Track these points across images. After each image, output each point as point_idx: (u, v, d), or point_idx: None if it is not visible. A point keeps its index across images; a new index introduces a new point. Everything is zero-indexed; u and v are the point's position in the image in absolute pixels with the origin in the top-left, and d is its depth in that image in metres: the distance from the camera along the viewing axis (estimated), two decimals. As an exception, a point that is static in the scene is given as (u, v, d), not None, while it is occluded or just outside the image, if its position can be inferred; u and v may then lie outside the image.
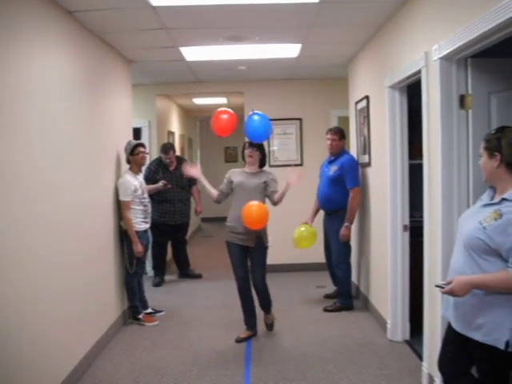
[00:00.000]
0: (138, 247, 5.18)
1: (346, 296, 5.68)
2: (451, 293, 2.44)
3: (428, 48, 3.54)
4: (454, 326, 2.58)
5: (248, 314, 4.89)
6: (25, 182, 3.25)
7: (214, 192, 4.89)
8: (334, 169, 5.54)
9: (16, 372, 3.03)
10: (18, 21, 3.19)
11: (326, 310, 5.61)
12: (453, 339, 2.65)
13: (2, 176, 2.97)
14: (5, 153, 3.01)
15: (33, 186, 3.37)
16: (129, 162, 5.31)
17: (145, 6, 4.02)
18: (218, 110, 4.62)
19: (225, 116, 4.56)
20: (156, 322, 5.31)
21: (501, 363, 2.46)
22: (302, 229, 5.59)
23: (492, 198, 2.50)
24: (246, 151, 4.87)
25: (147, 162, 6.02)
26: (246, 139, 4.93)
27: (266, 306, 4.97)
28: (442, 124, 3.36)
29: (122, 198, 5.13)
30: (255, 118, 4.58)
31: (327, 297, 6.03)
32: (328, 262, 5.93)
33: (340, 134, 5.65)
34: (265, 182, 4.80)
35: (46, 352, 3.44)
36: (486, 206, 2.48)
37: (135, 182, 5.22)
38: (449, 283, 2.46)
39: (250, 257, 4.81)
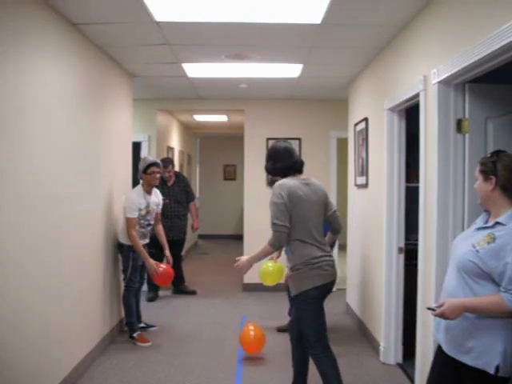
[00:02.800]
0: (150, 262, 5.17)
1: None
2: (442, 315, 2.43)
3: (427, 72, 3.57)
4: (445, 348, 2.56)
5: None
6: (24, 189, 3.26)
7: None
8: None
9: (5, 379, 3.00)
10: (21, 32, 3.22)
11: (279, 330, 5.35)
12: (442, 363, 2.63)
13: (1, 183, 2.97)
14: (5, 161, 3.03)
15: (32, 194, 3.39)
16: (141, 178, 5.28)
17: (148, 21, 4.06)
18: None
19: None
20: (149, 343, 5.18)
21: None
22: (269, 264, 4.90)
23: (486, 222, 2.50)
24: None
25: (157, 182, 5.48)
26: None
27: None
28: (439, 147, 3.38)
29: (127, 215, 5.09)
30: None
31: (280, 330, 5.53)
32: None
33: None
34: None
35: (36, 362, 3.42)
36: (479, 229, 2.49)
37: (141, 201, 5.17)
38: (440, 306, 2.45)
39: None
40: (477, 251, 2.36)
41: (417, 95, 3.82)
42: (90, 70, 4.59)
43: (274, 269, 4.79)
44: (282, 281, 4.52)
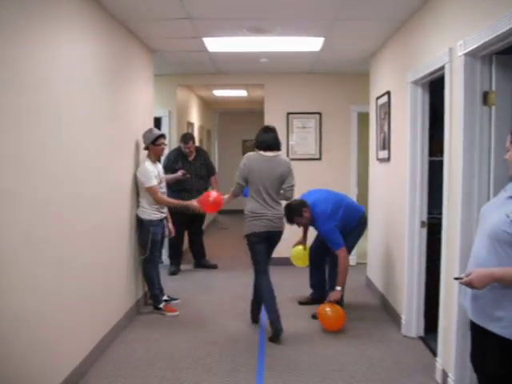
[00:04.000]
0: (193, 204, 5.41)
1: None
2: (470, 284, 2.43)
3: (453, 44, 3.53)
4: (471, 316, 2.58)
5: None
6: (49, 162, 3.29)
7: None
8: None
9: (31, 355, 3.07)
10: (44, 6, 3.23)
11: (314, 318, 5.14)
12: (473, 330, 2.65)
13: (27, 155, 3.02)
14: (30, 138, 3.06)
15: (58, 167, 3.42)
16: (147, 149, 5.35)
17: (170, -5, 4.06)
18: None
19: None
20: (177, 313, 5.32)
21: None
22: (300, 248, 5.85)
23: None
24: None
25: (165, 152, 6.06)
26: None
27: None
28: (465, 120, 3.35)
29: (148, 184, 5.15)
30: None
31: (302, 303, 5.67)
32: (312, 256, 5.64)
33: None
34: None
35: (62, 336, 3.49)
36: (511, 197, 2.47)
37: (154, 170, 5.27)
38: (468, 275, 2.45)
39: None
40: (511, 221, 2.35)
41: (442, 68, 3.77)
42: (112, 46, 4.60)
43: (305, 252, 5.74)
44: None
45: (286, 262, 6.14)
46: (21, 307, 2.94)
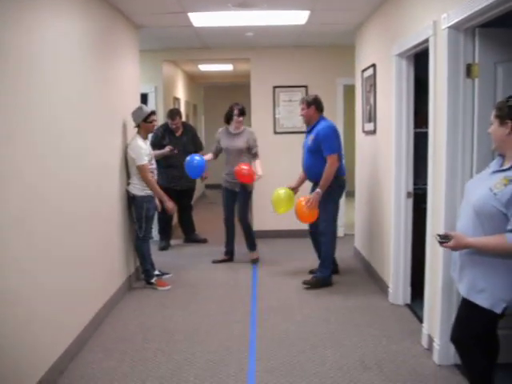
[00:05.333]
0: (169, 204, 5.51)
1: (327, 268, 5.42)
2: (448, 247, 2.64)
3: (437, 17, 3.57)
4: (459, 287, 2.71)
5: (228, 241, 6.50)
6: (35, 140, 3.29)
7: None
8: (311, 138, 5.33)
9: (25, 330, 3.12)
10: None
11: (304, 283, 5.38)
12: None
13: (15, 135, 3.02)
14: (19, 115, 3.07)
15: (45, 145, 3.42)
16: (138, 126, 5.36)
17: (155, -29, 4.04)
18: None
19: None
20: (169, 287, 5.42)
21: (493, 324, 2.64)
22: (281, 191, 5.57)
23: (501, 166, 2.57)
24: (237, 118, 6.14)
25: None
26: (233, 104, 6.23)
27: (251, 243, 6.40)
28: (449, 92, 3.42)
29: (139, 162, 5.19)
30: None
31: (312, 272, 5.68)
32: (312, 234, 5.69)
33: (307, 103, 5.39)
34: (247, 143, 6.12)
35: (56, 312, 3.55)
36: (495, 172, 2.56)
37: (146, 147, 5.30)
38: (447, 236, 2.59)
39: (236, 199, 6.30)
40: (495, 194, 2.44)
41: (426, 40, 3.82)
42: (97, 22, 4.58)
43: (285, 195, 5.58)
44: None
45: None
46: (12, 283, 2.99)
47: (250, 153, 6.13)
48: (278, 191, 5.58)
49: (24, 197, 3.10)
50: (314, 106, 5.39)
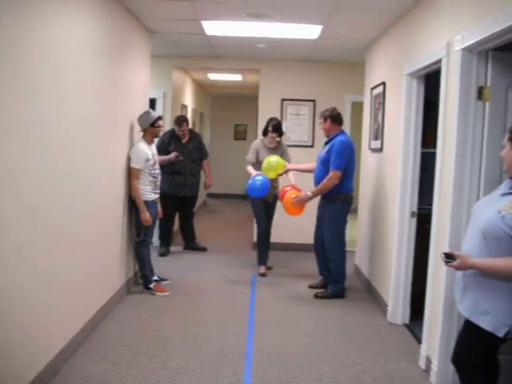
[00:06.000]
0: (146, 215, 5.24)
1: (339, 282, 5.51)
2: (454, 267, 2.62)
3: (450, 38, 3.58)
4: (460, 309, 2.69)
5: (263, 254, 6.39)
6: (46, 140, 3.29)
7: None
8: (325, 150, 5.42)
9: (21, 332, 3.09)
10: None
11: (316, 297, 5.48)
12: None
13: (21, 132, 3.00)
14: (30, 115, 3.08)
15: (54, 145, 3.42)
16: (144, 131, 5.36)
17: (173, -23, 4.07)
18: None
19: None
20: (167, 293, 5.39)
21: (494, 347, 2.62)
22: (273, 159, 5.87)
23: (511, 188, 2.56)
24: (271, 134, 6.22)
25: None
26: (269, 119, 6.36)
27: (266, 256, 6.42)
28: (459, 114, 3.42)
29: (134, 165, 5.17)
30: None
31: (311, 287, 5.78)
32: (317, 249, 5.70)
33: (324, 117, 5.48)
34: (281, 157, 6.08)
35: (53, 313, 3.53)
36: (505, 194, 2.56)
37: (148, 152, 5.28)
38: (452, 255, 2.59)
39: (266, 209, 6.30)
40: (503, 216, 2.43)
41: (438, 61, 3.83)
42: (111, 24, 4.60)
43: (277, 163, 5.86)
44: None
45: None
46: (11, 283, 2.96)
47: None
48: (270, 159, 5.87)
49: (30, 194, 3.10)
50: (330, 119, 5.45)
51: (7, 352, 2.92)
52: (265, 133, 6.32)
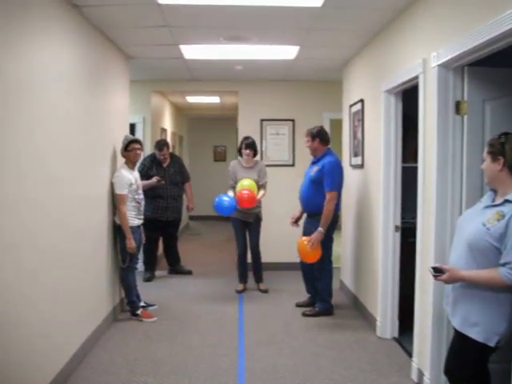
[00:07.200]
0: (131, 243, 5.20)
1: (327, 301, 5.53)
2: (443, 281, 2.67)
3: (426, 55, 3.67)
4: (452, 321, 2.72)
5: (241, 273, 6.54)
6: (24, 170, 3.24)
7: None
8: (315, 169, 5.41)
9: (8, 363, 3.05)
10: (20, 10, 3.18)
11: (304, 315, 5.48)
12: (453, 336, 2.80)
13: (2, 163, 2.97)
14: (6, 141, 3.02)
15: (32, 174, 3.36)
16: (124, 156, 5.36)
17: (150, 3, 4.11)
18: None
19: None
20: (154, 319, 5.33)
21: (486, 357, 2.65)
22: (245, 182, 6.04)
23: (493, 201, 2.62)
24: (244, 151, 6.30)
25: (140, 158, 6.05)
26: (243, 138, 6.48)
27: (261, 274, 6.53)
28: (438, 129, 3.49)
29: (118, 191, 5.15)
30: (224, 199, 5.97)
31: (299, 306, 5.80)
32: (303, 266, 5.66)
33: (312, 135, 5.48)
34: (258, 175, 6.28)
35: (43, 343, 3.48)
36: (487, 207, 2.61)
37: (130, 177, 5.26)
38: (440, 269, 2.63)
39: (248, 229, 6.38)
40: (487, 229, 2.49)
41: (415, 78, 3.92)
42: (88, 52, 4.59)
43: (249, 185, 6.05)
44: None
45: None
46: None
47: (258, 184, 6.18)
48: (243, 182, 6.05)
49: (8, 222, 3.07)
50: (319, 138, 5.48)
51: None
52: (240, 152, 6.40)
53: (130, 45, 5.53)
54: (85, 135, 4.46)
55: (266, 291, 6.42)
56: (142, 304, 5.55)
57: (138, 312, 5.37)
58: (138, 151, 5.41)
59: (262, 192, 6.24)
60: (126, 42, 5.39)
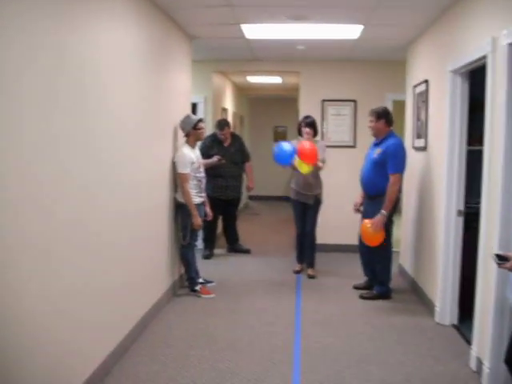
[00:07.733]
0: (197, 220, 5.33)
1: (385, 284, 5.48)
2: (508, 269, 2.54)
3: (496, 33, 3.51)
4: None
5: (299, 253, 6.55)
6: (91, 144, 3.34)
7: None
8: (377, 151, 5.28)
9: (74, 336, 3.19)
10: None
11: (362, 298, 5.48)
12: None
13: (71, 143, 3.08)
14: (78, 123, 3.16)
15: (99, 150, 3.48)
16: (187, 135, 5.44)
17: (214, -17, 4.12)
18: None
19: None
20: (212, 295, 5.45)
21: None
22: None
23: None
24: (304, 129, 6.18)
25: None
26: (302, 117, 6.36)
27: (313, 259, 6.43)
28: (507, 110, 3.34)
29: (181, 170, 5.26)
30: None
31: (356, 288, 5.78)
32: (362, 249, 5.62)
33: (377, 115, 5.33)
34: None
35: (103, 316, 3.61)
36: None
37: (192, 155, 5.36)
38: (504, 257, 2.54)
39: (307, 211, 6.29)
40: None
41: (483, 57, 3.76)
42: (153, 32, 4.69)
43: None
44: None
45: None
46: (60, 287, 3.07)
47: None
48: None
49: (79, 198, 3.19)
50: (384, 119, 5.35)
51: (63, 353, 3.01)
52: (300, 131, 6.29)
53: (193, 25, 5.58)
54: (146, 114, 4.56)
55: (313, 277, 6.28)
56: (200, 280, 5.66)
57: (197, 288, 5.49)
58: (204, 130, 5.57)
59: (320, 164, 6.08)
60: (188, 21, 5.44)
